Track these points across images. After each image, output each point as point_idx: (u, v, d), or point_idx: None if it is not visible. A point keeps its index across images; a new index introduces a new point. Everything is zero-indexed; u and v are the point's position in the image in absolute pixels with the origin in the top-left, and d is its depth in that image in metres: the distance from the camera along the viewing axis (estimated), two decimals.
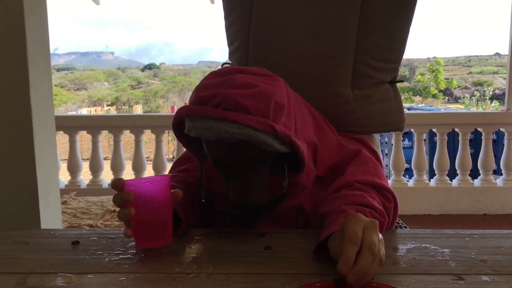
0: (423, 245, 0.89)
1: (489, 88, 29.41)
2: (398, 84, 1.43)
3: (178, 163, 1.18)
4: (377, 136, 1.41)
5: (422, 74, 28.56)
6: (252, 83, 0.89)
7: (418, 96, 27.17)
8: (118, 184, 0.85)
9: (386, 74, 1.37)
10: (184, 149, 1.10)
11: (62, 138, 4.11)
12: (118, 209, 0.87)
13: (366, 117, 1.33)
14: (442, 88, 26.74)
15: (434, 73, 26.05)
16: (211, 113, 0.85)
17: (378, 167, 1.07)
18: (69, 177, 4.15)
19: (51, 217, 1.71)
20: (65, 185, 4.04)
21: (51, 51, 1.81)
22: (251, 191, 0.91)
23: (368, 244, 0.71)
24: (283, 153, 0.92)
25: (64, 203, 2.65)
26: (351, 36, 1.28)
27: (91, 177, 4.15)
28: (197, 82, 0.96)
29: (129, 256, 0.86)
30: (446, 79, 29.15)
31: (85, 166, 4.19)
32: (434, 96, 26.73)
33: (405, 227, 1.30)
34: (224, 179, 0.95)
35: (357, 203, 0.91)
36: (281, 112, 0.90)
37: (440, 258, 0.83)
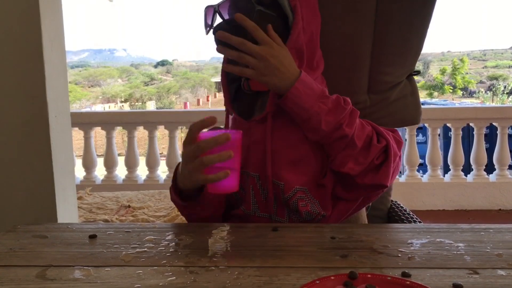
0: (437, 240, 0.89)
1: (507, 82, 28.94)
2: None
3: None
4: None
5: (442, 72, 28.27)
6: None
7: (434, 91, 26.99)
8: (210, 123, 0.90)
9: (403, 75, 1.36)
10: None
11: (76, 135, 4.15)
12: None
13: (383, 117, 1.32)
14: (460, 87, 26.58)
15: (454, 72, 25.83)
16: None
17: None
18: (84, 173, 4.20)
19: (68, 212, 1.74)
20: (80, 181, 4.09)
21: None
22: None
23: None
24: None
25: (79, 198, 2.69)
26: (365, 50, 1.27)
27: (105, 173, 4.19)
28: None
29: (145, 249, 0.87)
30: (465, 73, 28.81)
31: (99, 162, 4.23)
32: (453, 91, 26.54)
33: (419, 222, 1.30)
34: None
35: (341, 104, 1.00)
36: None
37: (455, 252, 0.83)
